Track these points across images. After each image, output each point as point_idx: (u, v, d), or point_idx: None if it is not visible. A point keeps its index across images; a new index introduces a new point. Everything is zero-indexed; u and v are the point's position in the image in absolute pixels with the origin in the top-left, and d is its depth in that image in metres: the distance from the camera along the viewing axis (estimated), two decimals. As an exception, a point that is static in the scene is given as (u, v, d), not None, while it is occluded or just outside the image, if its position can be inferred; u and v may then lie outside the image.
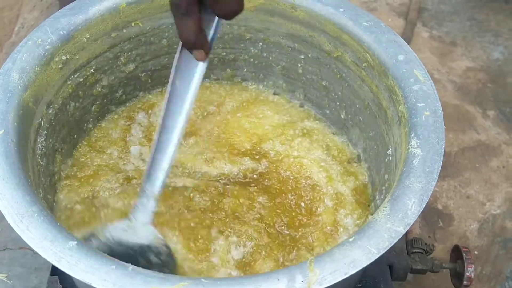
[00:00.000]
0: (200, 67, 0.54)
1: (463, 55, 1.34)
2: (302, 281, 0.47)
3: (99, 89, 0.77)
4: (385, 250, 0.50)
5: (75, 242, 0.49)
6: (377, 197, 0.72)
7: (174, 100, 0.54)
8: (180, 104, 0.54)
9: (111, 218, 0.66)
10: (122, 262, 0.48)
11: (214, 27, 0.52)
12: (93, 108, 0.78)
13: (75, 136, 0.76)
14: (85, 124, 0.78)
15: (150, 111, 0.82)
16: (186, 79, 0.54)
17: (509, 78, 1.30)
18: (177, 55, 0.54)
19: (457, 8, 1.45)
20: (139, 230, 0.57)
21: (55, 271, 0.72)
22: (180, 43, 0.53)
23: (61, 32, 0.68)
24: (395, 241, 0.51)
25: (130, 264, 0.48)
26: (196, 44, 0.51)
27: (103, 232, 0.57)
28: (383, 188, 0.69)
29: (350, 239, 0.51)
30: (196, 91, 0.54)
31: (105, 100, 0.79)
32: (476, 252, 1.01)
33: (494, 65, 1.32)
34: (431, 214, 1.05)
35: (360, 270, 0.49)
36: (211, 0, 0.48)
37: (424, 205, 0.53)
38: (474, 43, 1.37)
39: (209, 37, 0.52)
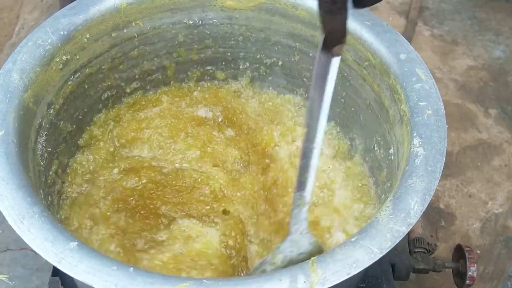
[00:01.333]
0: (336, 60, 0.53)
1: (465, 53, 1.34)
2: (305, 282, 0.47)
3: (100, 89, 0.77)
4: (388, 250, 0.50)
5: (76, 243, 0.49)
6: (378, 196, 0.72)
7: (314, 99, 0.54)
8: (319, 103, 0.53)
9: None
10: (123, 263, 0.48)
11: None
12: (93, 109, 0.78)
13: (76, 136, 0.76)
14: (86, 125, 0.77)
15: (153, 110, 0.82)
16: (324, 75, 0.53)
17: (510, 76, 1.29)
18: (317, 54, 0.53)
19: (458, 7, 1.45)
20: (301, 241, 0.57)
21: (56, 272, 0.72)
22: (321, 40, 0.52)
23: (62, 32, 0.67)
24: (397, 241, 0.50)
25: (131, 266, 0.48)
26: (340, 39, 0.51)
27: (274, 258, 0.57)
28: (385, 187, 0.69)
29: (352, 239, 0.50)
30: (332, 86, 0.53)
31: (106, 101, 0.79)
32: (478, 251, 1.01)
33: (495, 63, 1.32)
34: (433, 213, 1.04)
35: (362, 270, 0.49)
36: None
37: (426, 205, 0.53)
38: (475, 42, 1.37)
39: None
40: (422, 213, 0.53)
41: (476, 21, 1.42)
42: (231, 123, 0.80)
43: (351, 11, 0.48)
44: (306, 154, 0.54)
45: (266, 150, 0.78)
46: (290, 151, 0.77)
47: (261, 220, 0.70)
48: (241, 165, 0.75)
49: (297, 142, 0.78)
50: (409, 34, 1.33)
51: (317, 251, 0.58)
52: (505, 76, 1.29)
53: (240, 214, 0.70)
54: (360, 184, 0.75)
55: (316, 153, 0.54)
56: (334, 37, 0.51)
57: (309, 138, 0.54)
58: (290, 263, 0.55)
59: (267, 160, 0.76)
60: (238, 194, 0.72)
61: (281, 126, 0.80)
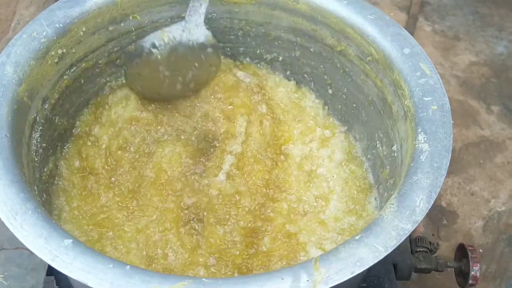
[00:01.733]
0: None
1: (467, 49, 1.33)
2: (307, 280, 0.45)
3: (96, 85, 0.75)
4: (393, 249, 0.48)
5: (71, 240, 0.48)
6: (381, 194, 0.70)
7: None
8: None
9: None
10: (120, 261, 0.47)
11: None
12: (90, 103, 0.76)
13: (72, 132, 0.74)
14: (82, 121, 0.76)
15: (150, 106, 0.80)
16: None
17: (513, 73, 1.28)
18: None
19: (459, 2, 1.44)
20: (194, 30, 0.61)
21: (51, 271, 0.70)
22: None
23: (57, 25, 0.66)
24: (402, 239, 0.49)
25: (127, 263, 0.46)
26: None
27: (163, 35, 0.61)
28: (388, 185, 0.67)
29: (356, 237, 0.49)
30: None
31: (103, 96, 0.77)
32: (481, 250, 1.00)
33: (498, 59, 1.31)
34: (435, 212, 1.03)
35: (366, 268, 0.47)
36: None
37: (432, 202, 0.52)
38: (477, 37, 1.35)
39: None
40: (427, 210, 0.51)
41: (478, 16, 1.41)
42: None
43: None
44: None
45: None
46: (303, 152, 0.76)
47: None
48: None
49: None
50: (410, 30, 1.32)
51: (209, 45, 0.62)
52: (507, 72, 1.28)
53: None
54: (361, 180, 0.74)
55: None
56: None
57: None
58: (180, 45, 0.59)
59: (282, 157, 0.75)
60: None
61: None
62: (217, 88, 0.76)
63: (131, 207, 0.68)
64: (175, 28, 0.60)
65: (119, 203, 0.68)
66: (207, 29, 0.61)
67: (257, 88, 0.79)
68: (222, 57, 0.80)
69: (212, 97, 0.76)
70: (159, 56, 0.63)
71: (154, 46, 0.62)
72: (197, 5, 0.61)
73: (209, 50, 0.67)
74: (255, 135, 0.74)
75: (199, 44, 0.59)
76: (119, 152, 0.72)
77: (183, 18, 0.75)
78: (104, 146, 0.72)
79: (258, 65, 0.84)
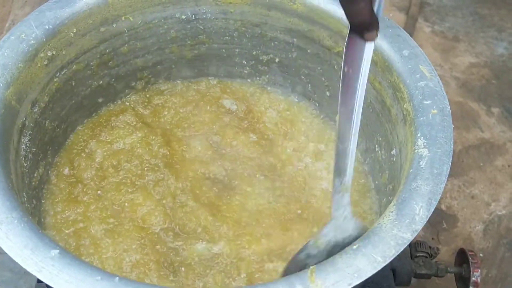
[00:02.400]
0: (369, 48, 0.52)
1: (466, 50, 1.31)
2: (303, 293, 0.44)
3: (88, 87, 0.74)
4: (391, 259, 0.47)
5: (58, 251, 0.46)
6: (380, 200, 0.69)
7: (347, 88, 0.52)
8: (353, 91, 0.52)
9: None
10: (108, 273, 0.45)
11: (379, 2, 0.50)
12: (81, 107, 0.74)
13: (63, 137, 0.73)
14: (73, 125, 0.74)
15: (144, 109, 0.79)
16: (356, 63, 0.52)
17: (513, 74, 1.27)
18: (346, 41, 0.52)
19: (459, 3, 1.42)
20: (344, 226, 0.55)
21: (41, 278, 0.69)
22: (348, 28, 0.51)
23: (47, 27, 0.64)
24: (402, 249, 0.48)
25: (116, 275, 0.45)
26: (369, 24, 0.50)
27: (317, 243, 0.55)
28: (387, 190, 0.66)
29: (354, 247, 0.48)
30: (367, 72, 0.52)
31: (94, 99, 0.76)
32: (481, 255, 0.98)
33: (498, 61, 1.29)
34: (435, 215, 1.01)
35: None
36: None
37: (432, 210, 0.50)
38: (477, 39, 1.34)
39: (377, 14, 0.50)
40: (427, 219, 0.50)
41: (478, 17, 1.39)
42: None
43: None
44: (343, 139, 0.53)
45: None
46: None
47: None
48: None
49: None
50: (409, 31, 1.31)
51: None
52: (508, 74, 1.27)
53: None
54: (359, 186, 0.72)
55: (354, 138, 0.53)
56: (362, 23, 0.49)
57: (344, 122, 0.53)
58: (335, 247, 0.54)
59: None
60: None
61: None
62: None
63: (110, 227, 0.65)
64: (327, 230, 0.54)
65: (101, 218, 0.66)
66: (357, 220, 0.55)
67: (244, 113, 0.78)
68: (210, 79, 0.81)
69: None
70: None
71: (309, 256, 0.55)
72: (339, 196, 0.54)
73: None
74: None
75: (353, 238, 0.53)
76: (111, 169, 0.70)
77: (178, 19, 0.74)
78: (97, 160, 0.71)
79: (250, 80, 0.82)
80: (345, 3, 0.48)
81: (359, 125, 0.52)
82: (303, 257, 0.55)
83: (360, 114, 0.52)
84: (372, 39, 0.51)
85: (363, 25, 0.50)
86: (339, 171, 0.53)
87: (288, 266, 0.56)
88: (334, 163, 0.54)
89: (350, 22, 0.50)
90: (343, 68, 0.52)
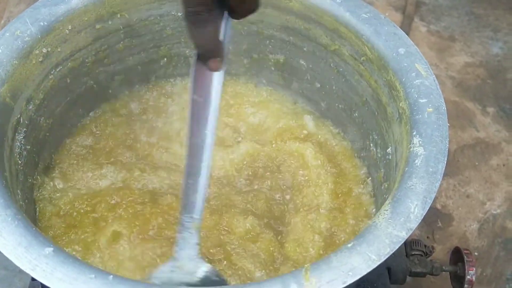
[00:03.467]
0: (218, 77, 0.49)
1: (462, 50, 1.31)
2: (297, 291, 0.44)
3: (83, 84, 0.73)
4: (386, 257, 0.47)
5: (52, 249, 0.46)
6: (375, 198, 0.69)
7: (196, 118, 0.50)
8: (203, 121, 0.49)
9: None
10: (102, 271, 0.45)
11: (224, 30, 0.48)
12: (77, 104, 0.74)
13: (58, 134, 0.72)
14: (69, 122, 0.74)
15: (140, 107, 0.78)
16: (206, 92, 0.49)
17: (509, 74, 1.27)
18: (192, 69, 0.49)
19: (455, 2, 1.42)
20: (187, 267, 0.51)
21: (36, 276, 0.68)
22: (195, 55, 0.49)
23: (42, 23, 0.64)
24: (396, 247, 0.48)
25: (110, 273, 0.45)
26: (214, 52, 0.48)
27: (148, 280, 0.50)
28: (382, 188, 0.66)
29: (349, 245, 0.47)
30: (217, 103, 0.50)
31: (89, 96, 0.75)
32: (476, 253, 0.98)
33: (493, 60, 1.29)
34: (430, 214, 1.02)
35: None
36: (235, 2, 0.46)
37: (427, 208, 0.50)
38: (473, 38, 1.34)
39: (223, 42, 0.49)
40: (422, 217, 0.50)
41: (473, 17, 1.39)
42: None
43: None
44: (192, 173, 0.49)
45: None
46: None
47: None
48: None
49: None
50: (405, 30, 1.31)
51: (213, 279, 0.51)
52: (503, 74, 1.27)
53: None
54: (354, 184, 0.72)
55: (204, 172, 0.49)
56: (207, 50, 0.48)
57: (194, 156, 0.49)
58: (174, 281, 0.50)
59: None
60: None
61: None
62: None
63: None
64: (165, 269, 0.50)
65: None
66: (205, 263, 0.51)
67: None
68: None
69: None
70: None
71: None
72: (187, 234, 0.50)
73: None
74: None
75: (200, 283, 0.49)
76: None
77: (174, 16, 0.74)
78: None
79: (245, 78, 0.82)
80: (191, 26, 0.46)
81: (210, 158, 0.49)
82: None
83: (212, 146, 0.49)
84: (216, 68, 0.49)
85: (208, 52, 0.48)
86: (188, 206, 0.50)
87: None
88: (182, 197, 0.50)
89: (196, 48, 0.48)
90: (192, 96, 0.49)
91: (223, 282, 0.52)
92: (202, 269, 0.50)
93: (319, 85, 0.78)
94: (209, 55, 0.48)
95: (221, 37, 0.48)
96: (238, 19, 0.48)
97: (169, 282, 0.49)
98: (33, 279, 0.69)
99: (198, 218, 0.50)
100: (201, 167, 0.49)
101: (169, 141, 0.74)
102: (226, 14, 0.47)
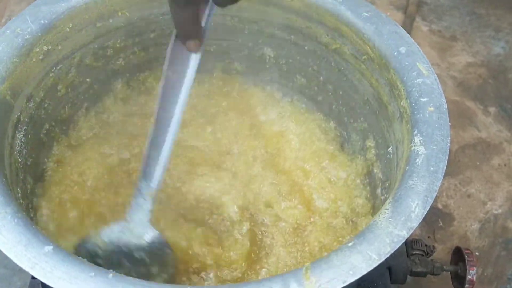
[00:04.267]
0: (194, 58, 0.51)
1: (463, 50, 1.31)
2: (298, 290, 0.43)
3: (84, 83, 0.73)
4: (387, 256, 0.47)
5: (51, 247, 0.45)
6: (376, 197, 0.69)
7: (168, 93, 0.52)
8: (174, 98, 0.51)
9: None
10: (102, 269, 0.45)
11: (207, 16, 0.50)
12: (77, 102, 0.74)
13: (58, 132, 0.72)
14: (70, 120, 0.74)
15: (140, 106, 0.78)
16: (180, 71, 0.51)
17: (510, 73, 1.27)
18: (170, 46, 0.51)
19: (456, 2, 1.42)
20: (137, 230, 0.53)
21: (36, 274, 0.68)
22: (174, 33, 0.50)
23: (42, 21, 0.64)
24: (397, 246, 0.48)
25: (111, 270, 0.44)
26: (192, 33, 0.49)
27: (98, 236, 0.54)
28: (383, 187, 0.66)
29: (349, 244, 0.47)
30: (190, 83, 0.51)
31: (90, 95, 0.75)
32: (477, 253, 0.98)
33: (495, 60, 1.29)
34: (431, 214, 1.01)
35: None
36: None
37: (428, 207, 0.50)
38: (474, 38, 1.34)
39: (204, 27, 0.50)
40: (423, 217, 0.50)
41: (475, 17, 1.39)
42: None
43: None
44: (156, 145, 0.51)
45: None
46: None
47: None
48: None
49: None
50: (407, 29, 1.30)
51: (159, 245, 0.54)
52: (504, 73, 1.27)
53: None
54: (354, 183, 0.72)
55: (168, 145, 0.51)
56: (185, 30, 0.49)
57: (160, 128, 0.51)
58: (124, 248, 0.53)
59: None
60: None
61: None
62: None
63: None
64: (115, 229, 0.53)
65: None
66: (155, 231, 0.53)
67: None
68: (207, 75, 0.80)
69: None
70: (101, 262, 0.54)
71: (97, 246, 0.54)
72: (141, 200, 0.53)
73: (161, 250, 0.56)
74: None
75: (146, 248, 0.52)
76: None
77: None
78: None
79: (247, 77, 0.82)
80: (173, 5, 0.47)
81: (176, 133, 0.51)
82: (91, 247, 0.54)
83: (179, 123, 0.51)
84: (193, 49, 0.50)
85: (187, 33, 0.49)
86: (147, 174, 0.52)
87: (79, 244, 0.55)
88: (142, 165, 0.52)
89: (175, 27, 0.49)
90: (166, 72, 0.51)
91: (167, 250, 0.55)
92: (150, 234, 0.53)
93: (319, 84, 0.78)
94: (186, 36, 0.49)
95: (203, 23, 0.49)
96: (221, 7, 0.48)
97: (117, 241, 0.53)
98: (33, 278, 0.69)
99: (155, 188, 0.53)
100: (165, 140, 0.51)
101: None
102: (210, 1, 0.49)
